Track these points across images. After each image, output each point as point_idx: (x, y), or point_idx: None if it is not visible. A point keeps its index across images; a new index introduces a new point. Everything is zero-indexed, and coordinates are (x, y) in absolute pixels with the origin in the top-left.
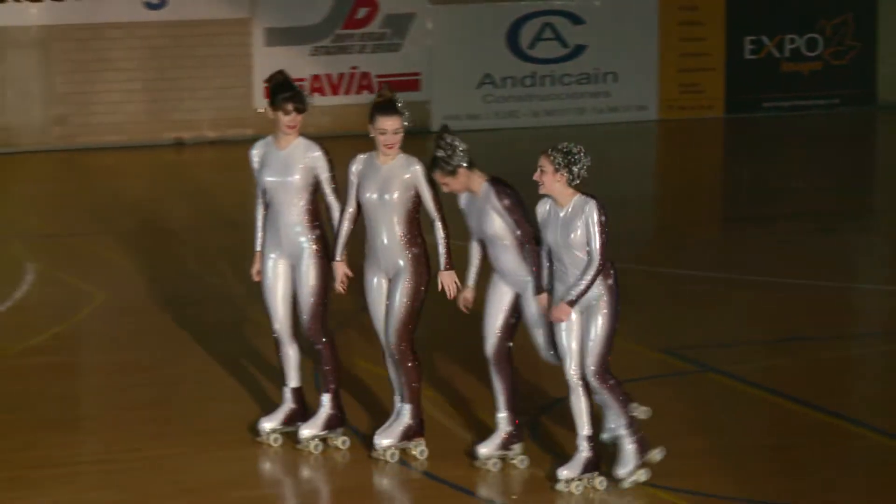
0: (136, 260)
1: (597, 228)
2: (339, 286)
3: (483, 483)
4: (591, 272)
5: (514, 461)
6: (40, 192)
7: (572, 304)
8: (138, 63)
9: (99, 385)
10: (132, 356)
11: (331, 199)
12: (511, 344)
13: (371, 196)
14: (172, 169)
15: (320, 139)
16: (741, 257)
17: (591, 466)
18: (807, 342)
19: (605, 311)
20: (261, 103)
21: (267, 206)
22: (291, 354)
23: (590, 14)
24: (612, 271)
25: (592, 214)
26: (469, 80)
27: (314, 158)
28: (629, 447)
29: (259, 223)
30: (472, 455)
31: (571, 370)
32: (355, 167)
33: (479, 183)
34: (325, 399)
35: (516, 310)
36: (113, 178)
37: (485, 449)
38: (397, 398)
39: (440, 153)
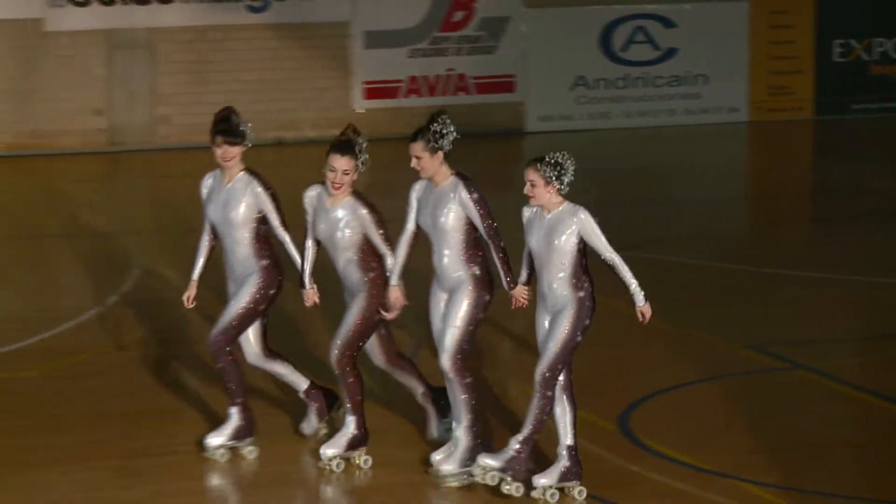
0: None
1: (598, 235)
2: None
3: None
4: (625, 270)
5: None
6: (145, 189)
7: (645, 299)
8: (241, 65)
9: (196, 376)
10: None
11: (280, 232)
12: (466, 349)
13: (322, 232)
14: (273, 168)
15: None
16: (830, 256)
17: (570, 476)
18: None
19: (568, 320)
20: (360, 104)
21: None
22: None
23: (681, 17)
24: (585, 284)
25: (589, 223)
26: (562, 81)
27: (256, 194)
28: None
29: (199, 252)
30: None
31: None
32: (307, 197)
33: (446, 175)
34: (234, 411)
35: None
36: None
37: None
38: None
39: (435, 126)
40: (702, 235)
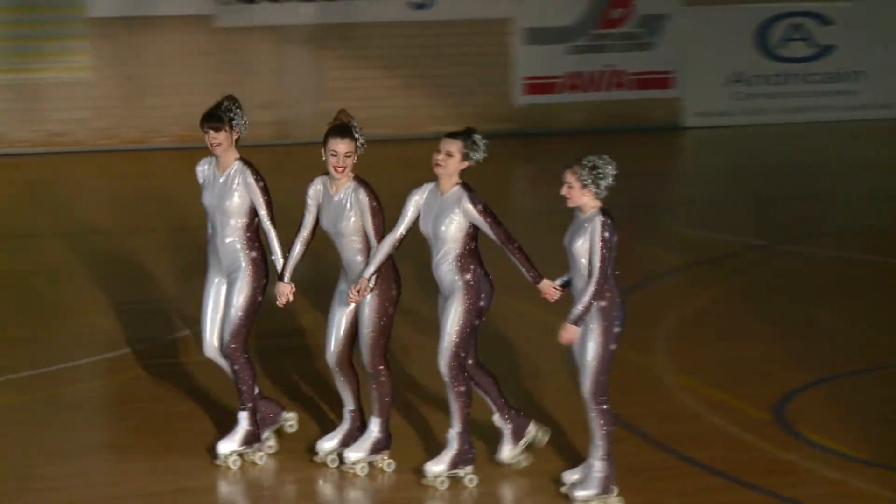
0: None
1: (598, 245)
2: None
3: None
4: (590, 290)
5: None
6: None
7: (575, 323)
8: (402, 60)
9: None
10: None
11: (267, 224)
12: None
13: (327, 222)
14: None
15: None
16: None
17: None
18: None
19: (596, 333)
20: (521, 99)
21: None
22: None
23: (838, 15)
24: (608, 293)
25: (596, 230)
26: (719, 78)
27: (248, 185)
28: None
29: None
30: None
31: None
32: (312, 190)
33: (454, 183)
34: (243, 416)
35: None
36: (380, 170)
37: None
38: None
39: (476, 136)
40: (854, 229)
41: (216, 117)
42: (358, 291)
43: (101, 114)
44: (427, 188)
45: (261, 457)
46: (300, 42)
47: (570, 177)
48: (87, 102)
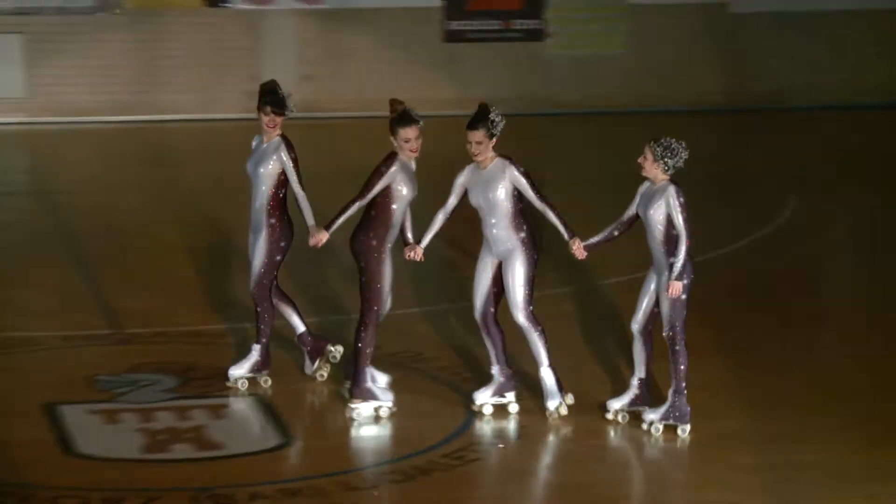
0: None
1: (678, 209)
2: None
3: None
4: (682, 249)
5: (507, 407)
6: None
7: (678, 278)
8: None
9: None
10: None
11: (297, 188)
12: (493, 309)
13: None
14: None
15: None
16: None
17: (639, 401)
18: None
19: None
20: None
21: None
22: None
23: None
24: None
25: (672, 197)
26: None
27: (281, 158)
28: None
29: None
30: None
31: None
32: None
33: (492, 157)
34: (255, 348)
35: (499, 279)
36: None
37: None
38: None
39: (493, 116)
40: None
41: (284, 105)
42: (414, 254)
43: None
44: (468, 169)
45: (265, 381)
46: None
47: (647, 150)
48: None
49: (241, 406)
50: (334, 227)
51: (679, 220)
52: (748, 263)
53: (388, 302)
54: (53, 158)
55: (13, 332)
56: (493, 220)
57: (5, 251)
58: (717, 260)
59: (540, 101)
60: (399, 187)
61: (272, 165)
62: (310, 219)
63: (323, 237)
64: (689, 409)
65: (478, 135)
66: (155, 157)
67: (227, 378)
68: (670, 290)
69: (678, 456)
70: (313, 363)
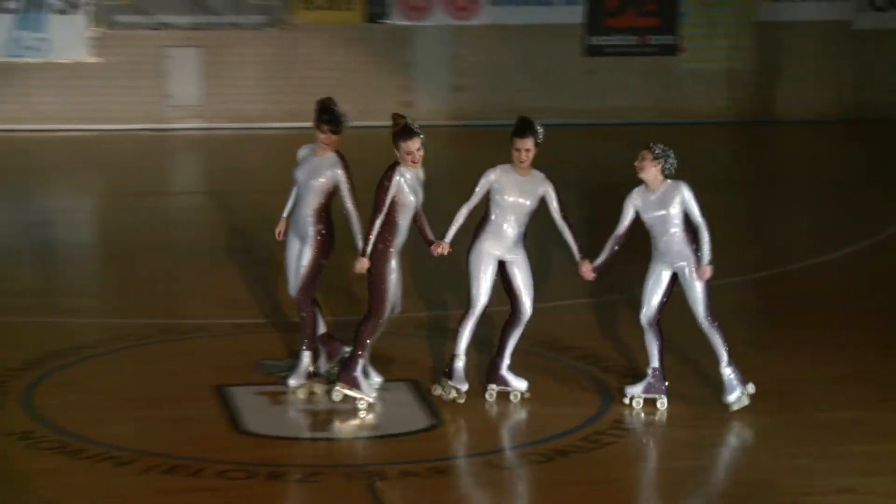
0: None
1: (694, 203)
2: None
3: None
4: (706, 237)
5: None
6: None
7: (710, 263)
8: None
9: None
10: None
11: (348, 206)
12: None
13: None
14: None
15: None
16: None
17: (652, 389)
18: None
19: (696, 273)
20: None
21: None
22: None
23: None
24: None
25: (685, 193)
26: None
27: (336, 173)
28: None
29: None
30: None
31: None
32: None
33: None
34: (306, 355)
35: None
36: None
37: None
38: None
39: (537, 125)
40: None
41: (341, 123)
42: (441, 249)
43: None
44: (499, 169)
45: (320, 387)
46: None
47: (646, 152)
48: (747, 85)
49: (394, 390)
50: (369, 248)
51: (697, 211)
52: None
53: (396, 302)
54: (227, 161)
55: (189, 319)
56: (519, 224)
57: (183, 246)
58: (837, 261)
59: (672, 112)
60: (404, 196)
61: (324, 180)
62: (358, 239)
63: (365, 264)
64: (666, 383)
65: (529, 142)
66: None
67: (286, 387)
68: (705, 275)
69: (796, 442)
70: (328, 362)
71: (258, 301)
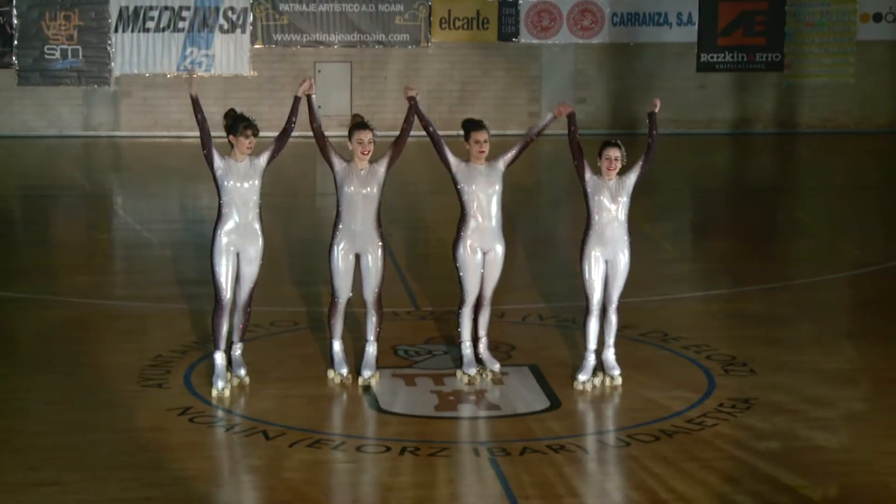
0: None
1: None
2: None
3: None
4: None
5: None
6: None
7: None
8: None
9: None
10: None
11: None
12: None
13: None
14: None
15: None
16: None
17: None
18: None
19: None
20: None
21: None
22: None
23: None
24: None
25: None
26: None
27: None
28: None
29: None
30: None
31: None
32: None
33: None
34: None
35: None
36: None
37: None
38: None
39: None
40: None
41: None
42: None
43: (860, 105)
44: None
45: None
46: None
47: (616, 151)
48: (849, 99)
49: (515, 374)
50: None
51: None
52: None
53: (341, 290)
54: None
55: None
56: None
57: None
58: None
59: (779, 123)
60: (345, 185)
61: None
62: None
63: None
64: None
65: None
66: None
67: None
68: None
69: (889, 425)
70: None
71: (396, 291)
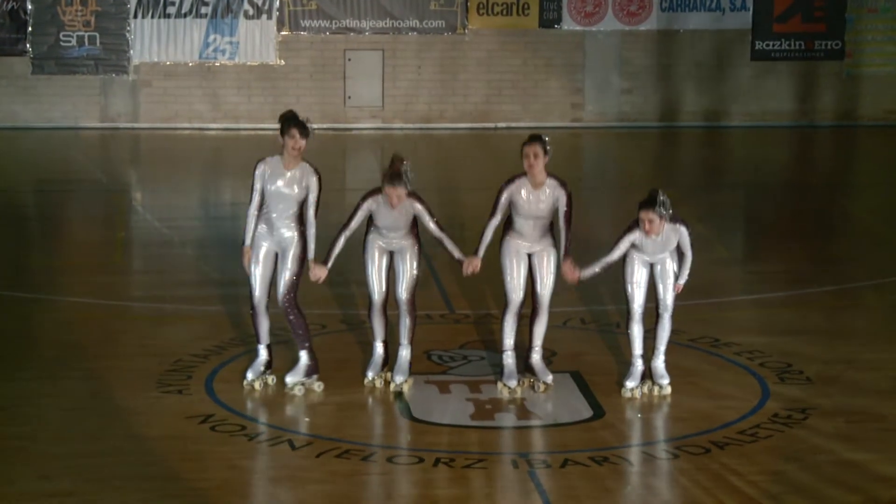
0: None
1: (688, 240)
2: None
3: None
4: (690, 263)
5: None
6: None
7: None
8: None
9: None
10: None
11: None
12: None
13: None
14: None
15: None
16: None
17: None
18: None
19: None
20: None
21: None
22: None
23: None
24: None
25: (683, 235)
26: None
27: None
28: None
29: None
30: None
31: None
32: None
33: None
34: (303, 354)
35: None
36: None
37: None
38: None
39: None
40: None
41: (305, 127)
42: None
43: None
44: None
45: (319, 385)
46: None
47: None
48: None
49: (558, 381)
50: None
51: (688, 248)
52: None
53: (374, 289)
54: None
55: (363, 310)
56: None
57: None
58: None
59: (839, 115)
60: (377, 219)
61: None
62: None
63: (322, 273)
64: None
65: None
66: (496, 159)
67: (284, 385)
68: (679, 288)
69: None
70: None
71: (431, 294)
